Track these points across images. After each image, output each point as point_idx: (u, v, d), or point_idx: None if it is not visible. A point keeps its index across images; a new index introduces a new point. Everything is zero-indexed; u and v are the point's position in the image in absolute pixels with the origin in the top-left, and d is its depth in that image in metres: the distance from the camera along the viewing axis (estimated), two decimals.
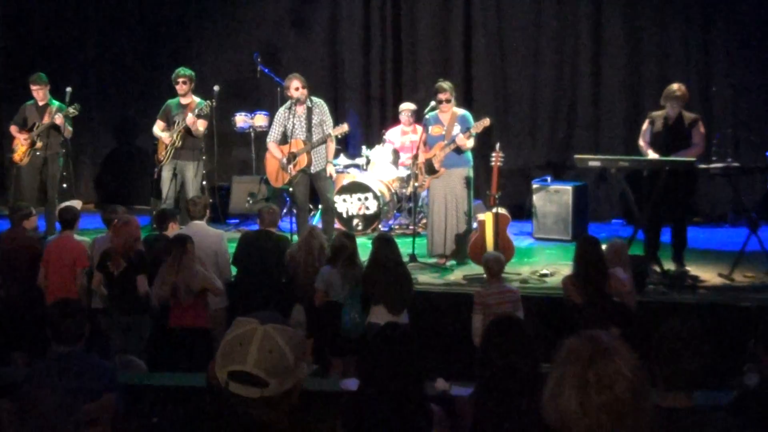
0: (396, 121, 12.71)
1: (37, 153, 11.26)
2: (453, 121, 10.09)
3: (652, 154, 9.42)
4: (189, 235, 8.01)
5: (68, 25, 15.07)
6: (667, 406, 3.44)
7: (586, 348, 2.29)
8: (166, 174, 11.25)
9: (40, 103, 11.38)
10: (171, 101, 11.38)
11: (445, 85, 10.19)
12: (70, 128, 11.35)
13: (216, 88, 11.58)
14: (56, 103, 11.41)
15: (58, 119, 11.15)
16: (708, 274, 9.41)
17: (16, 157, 11.35)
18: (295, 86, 10.31)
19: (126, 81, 14.84)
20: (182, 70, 11.24)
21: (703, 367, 3.52)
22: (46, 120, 11.23)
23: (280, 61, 13.88)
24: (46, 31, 15.04)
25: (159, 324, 8.06)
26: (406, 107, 12.43)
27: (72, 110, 11.27)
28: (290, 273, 8.35)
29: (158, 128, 11.33)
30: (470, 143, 10.02)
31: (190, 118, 10.90)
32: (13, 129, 11.47)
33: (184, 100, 11.24)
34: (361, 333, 7.68)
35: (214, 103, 11.16)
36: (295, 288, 8.27)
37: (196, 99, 11.25)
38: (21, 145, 11.27)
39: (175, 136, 11.05)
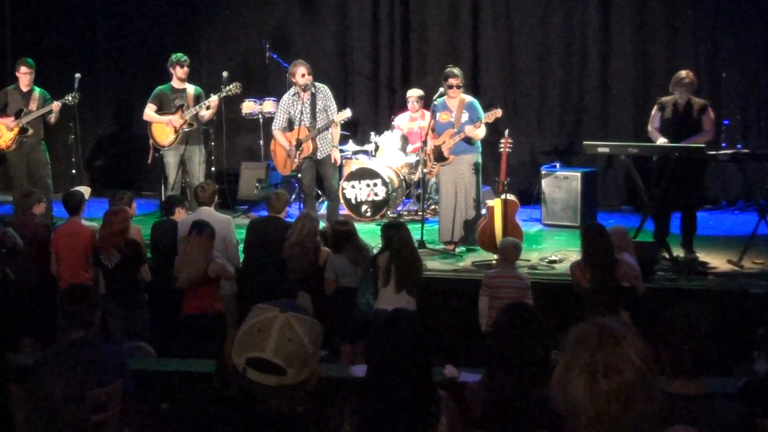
0: (404, 107, 12.70)
1: (24, 140, 11.12)
2: (461, 108, 10.06)
3: (662, 141, 9.40)
4: (202, 222, 7.97)
5: (76, 11, 15.05)
6: (674, 393, 3.44)
7: (594, 334, 2.29)
8: (172, 159, 11.11)
9: (25, 89, 11.23)
10: (163, 87, 11.22)
11: (456, 70, 10.17)
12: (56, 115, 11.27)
13: (225, 74, 11.56)
14: (38, 90, 11.33)
15: (56, 106, 11.12)
16: (717, 261, 9.38)
17: (2, 143, 11.12)
18: (301, 73, 10.32)
19: (134, 68, 14.81)
20: (185, 56, 11.21)
21: (711, 353, 3.52)
22: (32, 106, 11.14)
23: (288, 47, 13.86)
24: (54, 17, 15.03)
25: (169, 310, 8.10)
26: (413, 93, 12.41)
27: (71, 99, 11.22)
28: (291, 267, 8.32)
29: (152, 111, 11.13)
30: (481, 132, 10.00)
31: (214, 99, 10.93)
32: None
33: (180, 85, 11.16)
34: (371, 318, 7.69)
35: (238, 89, 11.17)
36: (297, 276, 8.27)
37: (188, 84, 11.25)
38: (7, 130, 11.13)
39: (188, 117, 10.95)
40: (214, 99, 10.96)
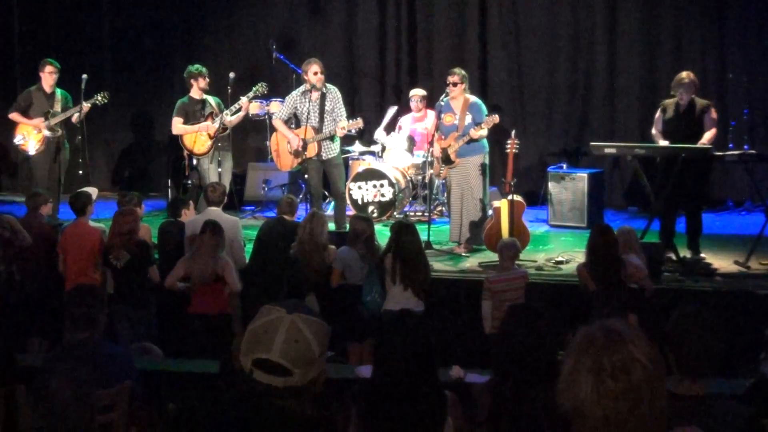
0: (410, 108, 12.67)
1: (51, 140, 11.11)
2: (465, 109, 10.06)
3: (662, 143, 9.41)
4: (214, 221, 8.02)
5: (83, 12, 15.07)
6: (681, 394, 3.44)
7: (601, 335, 2.29)
8: (208, 165, 11.07)
9: (49, 90, 11.22)
10: (183, 99, 11.22)
11: (456, 69, 10.19)
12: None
13: (231, 75, 11.56)
14: (60, 91, 11.31)
15: (85, 107, 11.11)
16: (724, 262, 9.37)
17: (32, 147, 11.12)
18: (314, 71, 10.27)
19: (141, 69, 14.83)
20: (204, 67, 11.21)
21: (717, 354, 3.52)
22: (56, 108, 11.15)
23: (295, 48, 13.86)
24: (61, 19, 15.06)
25: (176, 311, 8.12)
26: (416, 93, 12.37)
27: (100, 98, 11.25)
28: (301, 266, 8.34)
29: (181, 124, 11.07)
30: (482, 132, 9.98)
31: (244, 101, 10.99)
32: (17, 116, 11.18)
33: (201, 96, 11.14)
34: (378, 317, 7.69)
35: (265, 89, 11.22)
36: (305, 276, 8.28)
37: (206, 95, 11.26)
38: (36, 133, 11.14)
39: (221, 123, 10.93)
40: (243, 100, 11.00)
